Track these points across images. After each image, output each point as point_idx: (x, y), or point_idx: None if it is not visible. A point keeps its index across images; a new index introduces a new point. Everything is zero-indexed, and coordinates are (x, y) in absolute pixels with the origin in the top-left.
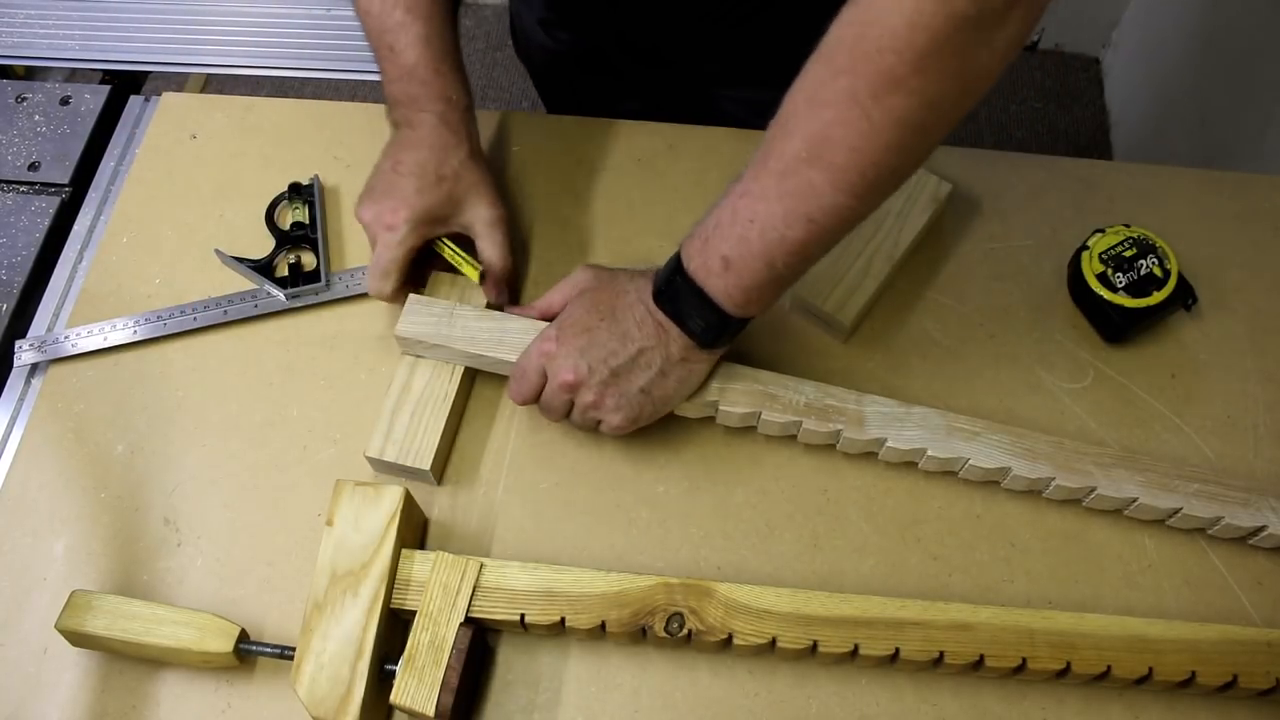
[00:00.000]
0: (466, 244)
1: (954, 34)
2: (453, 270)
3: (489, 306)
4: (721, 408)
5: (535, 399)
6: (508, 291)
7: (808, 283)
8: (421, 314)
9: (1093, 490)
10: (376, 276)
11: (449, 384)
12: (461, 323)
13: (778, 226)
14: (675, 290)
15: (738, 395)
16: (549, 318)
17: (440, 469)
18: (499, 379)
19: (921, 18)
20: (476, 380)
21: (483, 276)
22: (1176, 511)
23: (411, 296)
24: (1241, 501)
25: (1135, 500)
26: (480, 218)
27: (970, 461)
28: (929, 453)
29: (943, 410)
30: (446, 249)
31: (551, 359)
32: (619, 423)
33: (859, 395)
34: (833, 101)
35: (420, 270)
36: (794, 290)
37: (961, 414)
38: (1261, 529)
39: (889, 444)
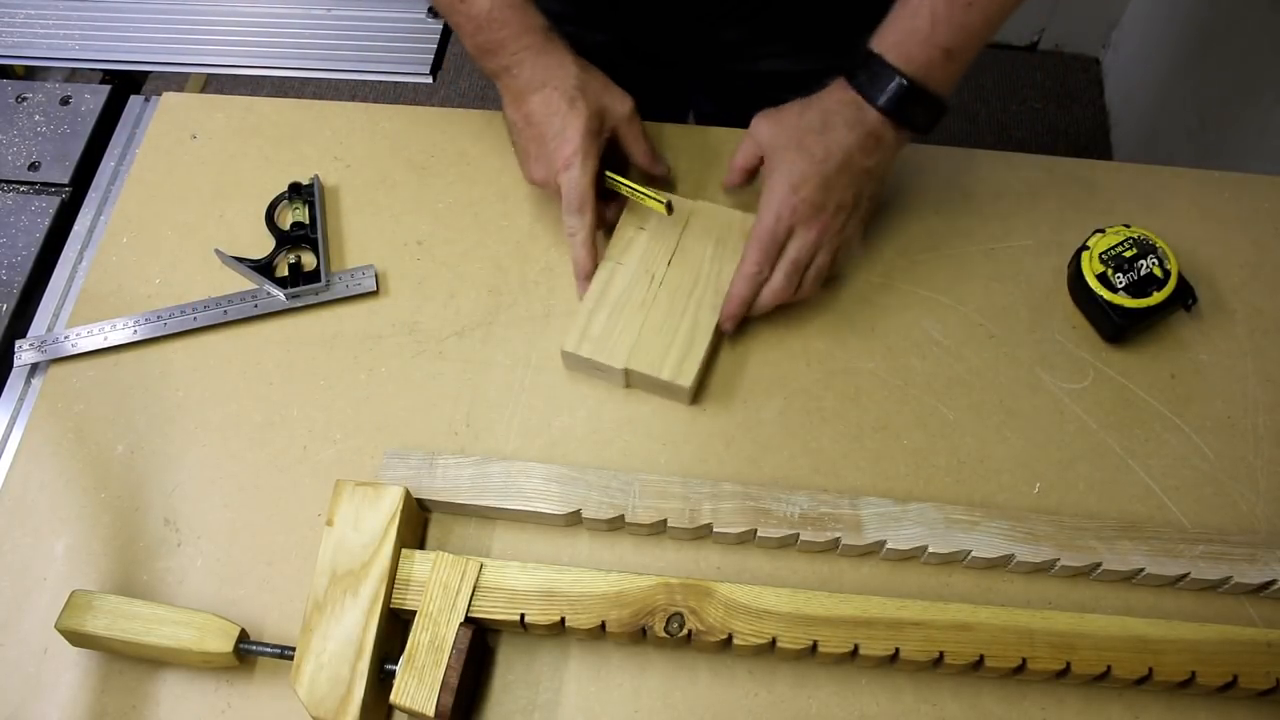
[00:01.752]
0: (620, 161)
1: None
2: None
3: (652, 180)
4: (716, 529)
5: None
6: (662, 162)
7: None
8: (399, 467)
9: (1098, 565)
10: (573, 212)
11: (647, 290)
12: (442, 471)
13: (995, 4)
14: (903, 97)
15: (731, 515)
16: (748, 176)
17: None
18: None
19: None
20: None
21: (669, 206)
22: (1184, 576)
23: (388, 451)
24: (1247, 558)
25: (1142, 570)
26: (619, 115)
27: (973, 553)
28: (930, 549)
29: (939, 504)
30: (624, 187)
31: (805, 202)
32: (856, 234)
33: (853, 499)
34: None
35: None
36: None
37: (960, 506)
38: (1271, 583)
39: (889, 545)
